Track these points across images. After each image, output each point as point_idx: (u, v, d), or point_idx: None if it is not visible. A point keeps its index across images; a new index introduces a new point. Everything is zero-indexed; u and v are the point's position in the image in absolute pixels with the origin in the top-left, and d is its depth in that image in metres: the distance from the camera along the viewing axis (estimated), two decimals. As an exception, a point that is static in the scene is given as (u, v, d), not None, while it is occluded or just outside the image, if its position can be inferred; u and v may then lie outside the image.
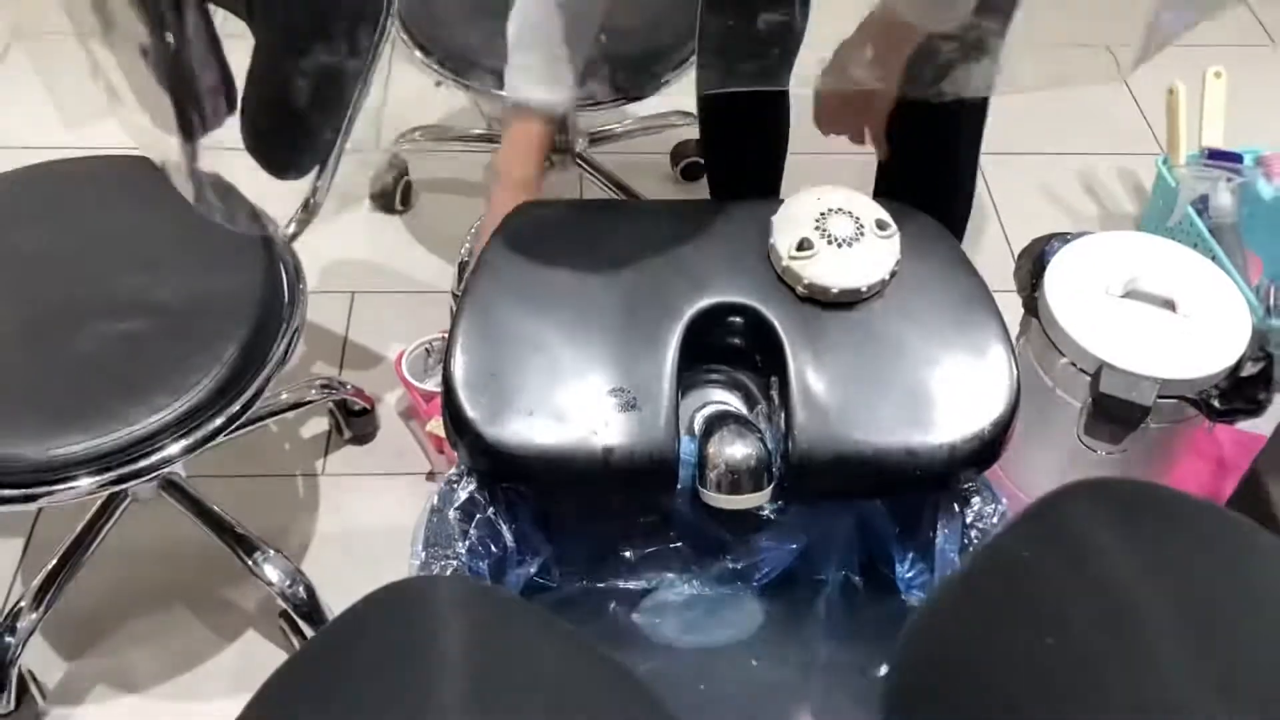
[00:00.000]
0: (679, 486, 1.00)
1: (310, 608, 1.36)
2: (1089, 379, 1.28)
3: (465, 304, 1.05)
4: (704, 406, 1.06)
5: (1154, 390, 1.24)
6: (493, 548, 1.02)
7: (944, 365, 1.03)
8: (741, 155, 1.50)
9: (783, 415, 1.00)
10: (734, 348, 1.08)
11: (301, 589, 1.36)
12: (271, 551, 1.38)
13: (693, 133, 2.06)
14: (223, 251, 1.25)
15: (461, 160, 2.10)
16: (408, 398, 1.66)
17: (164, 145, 1.17)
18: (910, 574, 1.06)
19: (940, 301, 1.07)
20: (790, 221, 1.08)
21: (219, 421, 1.16)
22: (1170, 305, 1.31)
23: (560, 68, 1.25)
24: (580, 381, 1.00)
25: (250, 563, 1.37)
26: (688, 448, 1.00)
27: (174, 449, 1.13)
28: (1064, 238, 1.40)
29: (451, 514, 0.99)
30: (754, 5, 1.17)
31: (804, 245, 1.05)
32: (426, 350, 1.64)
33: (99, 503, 1.41)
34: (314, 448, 1.65)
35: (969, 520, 1.02)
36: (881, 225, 1.08)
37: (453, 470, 1.03)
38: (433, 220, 2.00)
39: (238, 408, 1.17)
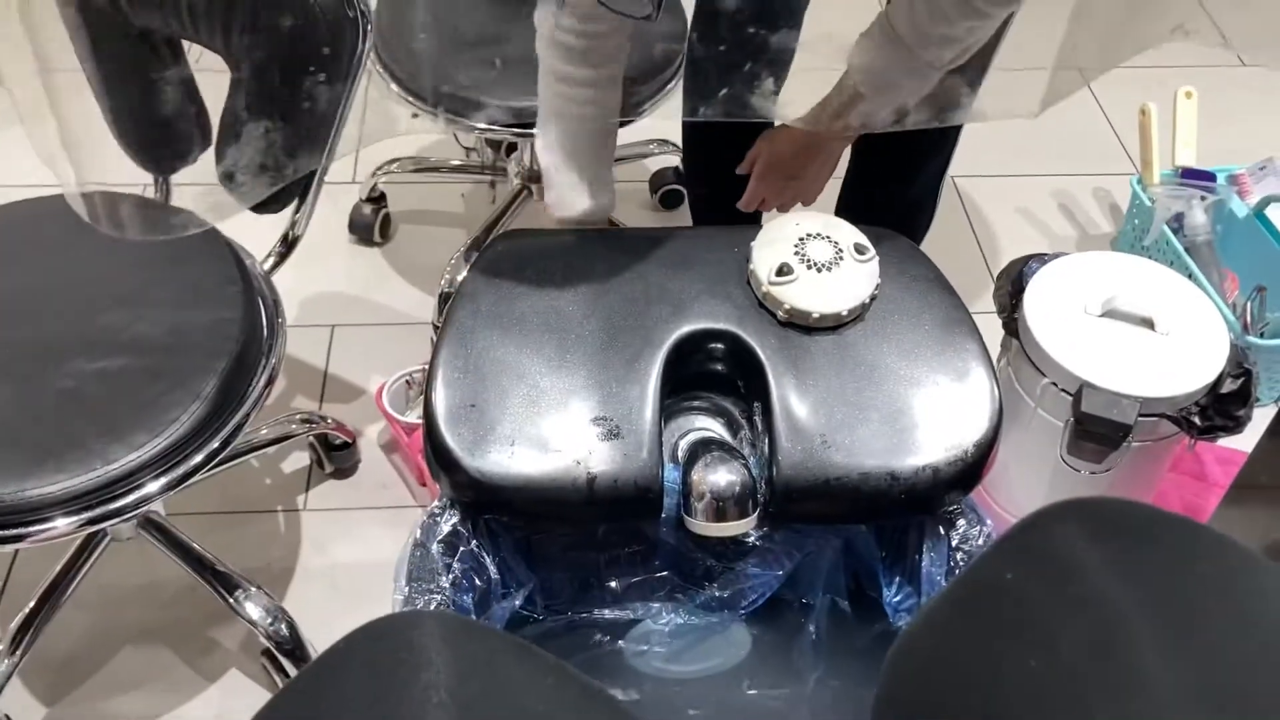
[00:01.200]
0: (663, 515, 1.00)
1: (293, 645, 1.35)
2: (1070, 399, 1.28)
3: (445, 335, 1.05)
4: (687, 433, 1.06)
5: (1135, 409, 1.24)
6: (476, 580, 1.01)
7: (926, 388, 1.03)
8: (724, 181, 1.51)
9: (766, 441, 1.00)
10: (716, 374, 1.08)
11: (284, 626, 1.34)
12: (253, 589, 1.36)
13: (671, 160, 2.06)
14: (200, 287, 1.24)
15: (439, 191, 2.10)
16: (389, 431, 1.65)
17: (60, 164, 1.16)
18: (897, 598, 1.06)
19: (920, 324, 1.07)
20: (769, 247, 1.08)
21: (198, 458, 1.15)
22: (1149, 324, 1.32)
23: (602, 176, 1.26)
24: (562, 411, 1.00)
25: (232, 600, 1.35)
26: (671, 476, 0.99)
27: (153, 487, 1.12)
28: (1042, 258, 1.41)
29: (434, 547, 0.99)
30: (743, 37, 1.18)
31: (783, 270, 1.05)
32: (407, 382, 1.63)
33: (77, 543, 1.39)
34: (295, 483, 1.63)
35: (955, 543, 1.02)
36: (860, 249, 1.08)
37: (435, 503, 1.02)
38: (411, 252, 1.99)
39: (217, 444, 1.16)
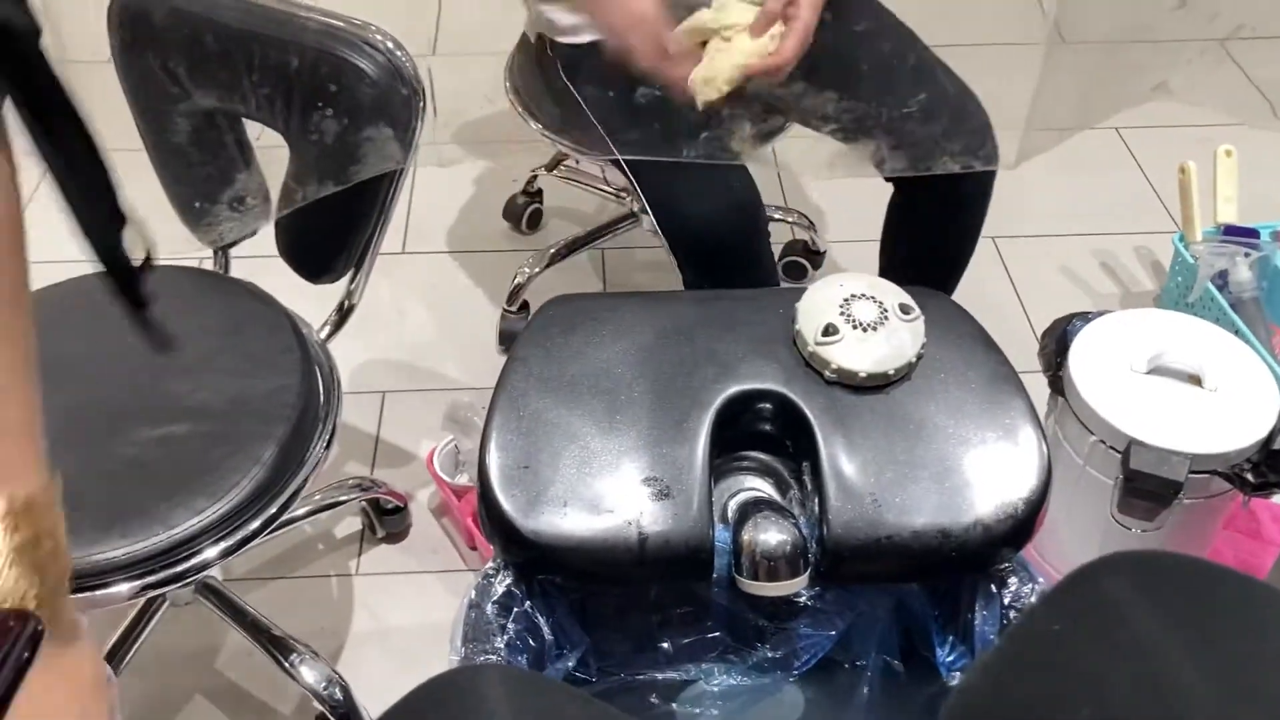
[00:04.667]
0: (715, 575, 1.00)
1: (347, 710, 1.36)
2: (1119, 456, 1.28)
3: (498, 399, 1.07)
4: (737, 493, 1.06)
5: (1185, 465, 1.24)
6: (531, 641, 1.02)
7: (974, 446, 1.03)
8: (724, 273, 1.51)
9: (816, 500, 1.01)
10: (764, 434, 1.09)
11: (338, 690, 1.36)
12: (308, 654, 1.37)
13: (803, 235, 2.07)
14: (260, 355, 1.27)
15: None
16: (439, 494, 1.67)
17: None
18: (951, 657, 1.06)
19: (967, 382, 1.08)
20: (814, 308, 1.10)
21: (256, 524, 1.17)
22: (1196, 380, 1.32)
23: None
24: (613, 472, 1.01)
25: (287, 665, 1.37)
26: (722, 536, 1.00)
27: (212, 552, 1.14)
28: (1085, 316, 1.42)
29: (489, 608, 1.00)
30: None
31: (829, 330, 1.07)
32: (457, 446, 1.66)
33: (136, 609, 1.41)
34: (347, 548, 1.65)
35: (1007, 601, 1.02)
36: (905, 309, 1.09)
37: (489, 564, 1.03)
38: (460, 318, 2.03)
39: (275, 509, 1.18)
